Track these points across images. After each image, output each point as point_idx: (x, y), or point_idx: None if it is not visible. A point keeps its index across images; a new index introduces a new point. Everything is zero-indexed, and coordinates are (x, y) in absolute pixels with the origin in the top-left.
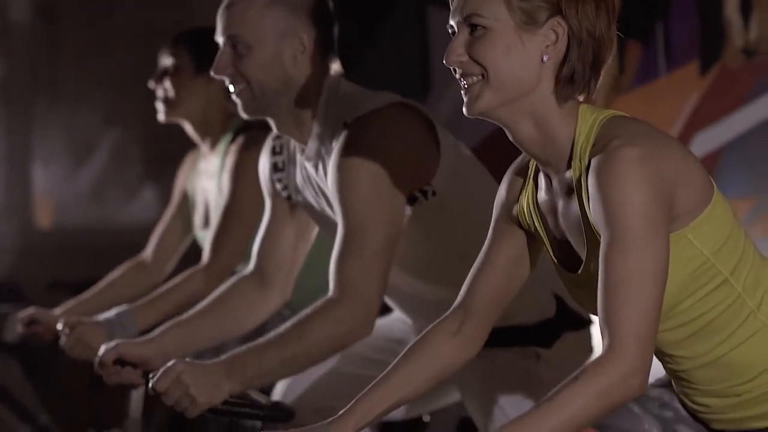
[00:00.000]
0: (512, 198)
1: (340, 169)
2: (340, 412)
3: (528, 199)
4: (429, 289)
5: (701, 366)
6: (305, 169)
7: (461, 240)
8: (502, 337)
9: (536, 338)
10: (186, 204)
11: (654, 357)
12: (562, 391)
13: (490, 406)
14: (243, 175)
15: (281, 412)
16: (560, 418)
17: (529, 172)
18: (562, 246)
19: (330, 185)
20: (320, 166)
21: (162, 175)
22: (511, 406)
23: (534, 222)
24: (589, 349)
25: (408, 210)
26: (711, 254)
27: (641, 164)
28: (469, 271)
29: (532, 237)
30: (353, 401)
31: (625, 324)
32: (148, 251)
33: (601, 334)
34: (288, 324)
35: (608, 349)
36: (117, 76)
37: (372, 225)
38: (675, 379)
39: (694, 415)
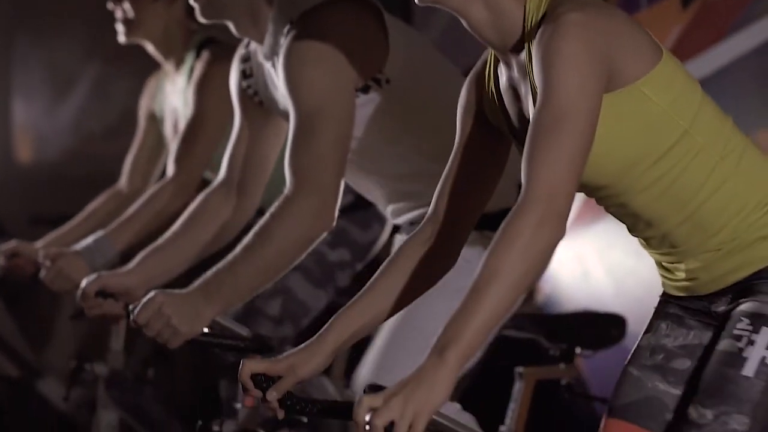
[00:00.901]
0: (475, 98)
1: (286, 64)
2: (318, 333)
3: (491, 91)
4: (398, 186)
5: (678, 225)
6: (265, 68)
7: (424, 133)
8: None
9: (495, 225)
10: (154, 126)
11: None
12: (486, 263)
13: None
14: (207, 87)
15: (261, 344)
16: (493, 291)
17: (488, 67)
18: (525, 132)
19: (280, 82)
20: (276, 64)
21: None
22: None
23: (498, 114)
24: None
25: (363, 99)
26: (668, 105)
27: (582, 26)
28: (434, 165)
29: (500, 134)
30: (330, 320)
31: (539, 171)
32: (123, 180)
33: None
34: (252, 232)
35: (521, 201)
36: (97, 9)
37: (321, 114)
38: (655, 251)
39: (684, 311)
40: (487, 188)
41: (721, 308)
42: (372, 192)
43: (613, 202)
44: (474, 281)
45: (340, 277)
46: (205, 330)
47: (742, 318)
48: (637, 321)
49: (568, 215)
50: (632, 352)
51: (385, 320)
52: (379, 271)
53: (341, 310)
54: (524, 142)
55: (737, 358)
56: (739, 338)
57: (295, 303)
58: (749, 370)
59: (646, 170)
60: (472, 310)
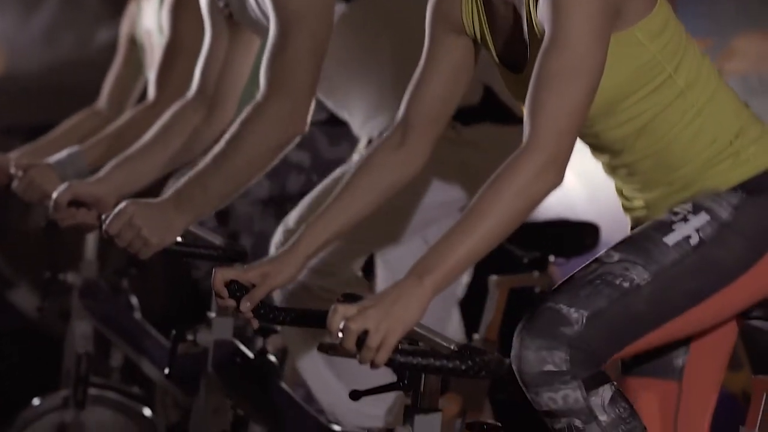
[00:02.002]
0: (449, 3)
1: None
2: (290, 242)
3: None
4: (370, 91)
5: (644, 158)
6: None
7: (397, 41)
8: None
9: (456, 116)
10: (135, 49)
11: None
12: (481, 198)
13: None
14: (181, 9)
15: (235, 253)
16: (484, 225)
17: None
18: (506, 46)
19: None
20: None
21: (116, 18)
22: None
23: (478, 23)
24: None
25: (341, 8)
26: (657, 51)
27: None
28: (403, 70)
29: (471, 41)
30: (302, 229)
31: (547, 118)
32: (102, 99)
33: (524, 129)
34: (222, 140)
35: (527, 144)
36: None
37: (298, 20)
38: (616, 176)
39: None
40: (457, 92)
41: None
42: (352, 106)
43: (586, 132)
44: (466, 212)
45: (292, 180)
46: (178, 239)
47: (686, 203)
48: (611, 229)
49: (568, 162)
50: None
51: (355, 225)
52: (348, 177)
53: (312, 218)
54: (505, 56)
55: (665, 226)
56: (676, 214)
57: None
58: (671, 239)
59: (625, 109)
60: (458, 241)
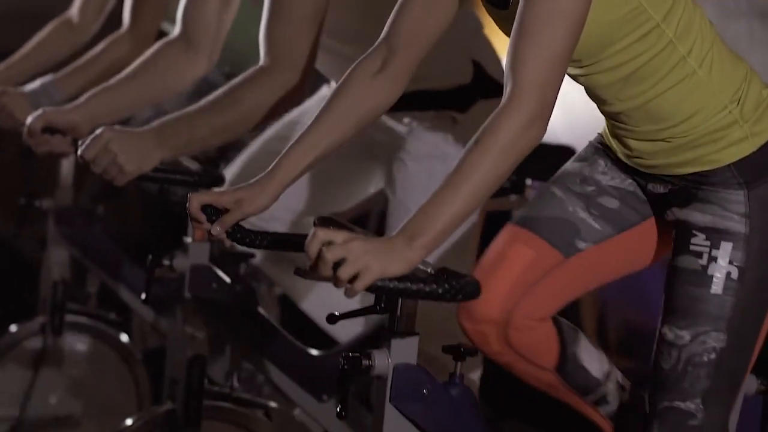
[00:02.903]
0: None
1: None
2: (267, 170)
3: None
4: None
5: (632, 109)
6: None
7: None
8: (416, 101)
9: (451, 102)
10: None
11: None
12: (466, 157)
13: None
14: None
15: (211, 179)
16: (470, 185)
17: None
18: None
19: None
20: None
21: None
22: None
23: None
24: None
25: None
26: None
27: None
28: None
29: None
30: (279, 157)
31: (529, 69)
32: (74, 9)
33: (505, 80)
34: (220, 92)
35: (509, 99)
36: None
37: None
38: (609, 120)
39: (624, 164)
40: (439, 18)
41: (659, 190)
42: None
43: (573, 74)
44: (452, 172)
45: None
46: None
47: (697, 233)
48: None
49: (552, 112)
50: (559, 173)
51: (332, 153)
52: (326, 103)
53: (290, 146)
54: None
55: (703, 277)
56: (699, 255)
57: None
58: (717, 287)
59: (612, 54)
60: (446, 202)
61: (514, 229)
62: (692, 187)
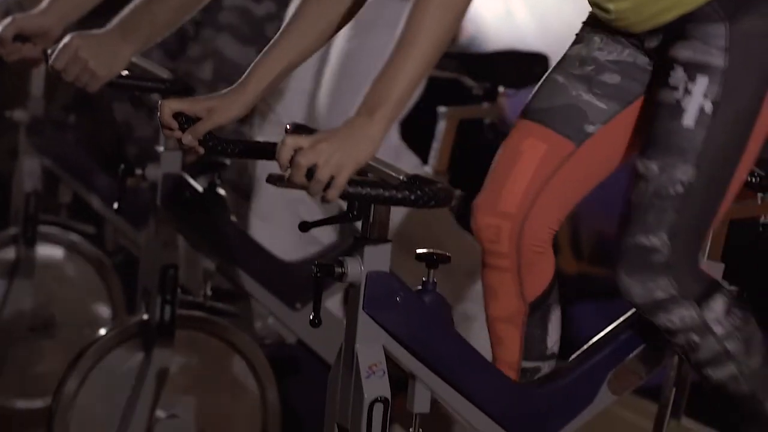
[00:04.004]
0: None
1: None
2: (240, 80)
3: None
4: None
5: None
6: None
7: None
8: None
9: None
10: None
11: None
12: (409, 22)
13: None
14: None
15: (182, 86)
16: (418, 48)
17: None
18: None
19: None
20: None
21: None
22: None
23: None
24: None
25: None
26: None
27: None
28: None
29: None
30: (251, 67)
31: None
32: None
33: None
34: None
35: None
36: None
37: None
38: None
39: (617, 33)
40: None
41: (653, 44)
42: None
43: None
44: (398, 39)
45: (269, 30)
46: (125, 73)
47: (676, 66)
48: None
49: None
50: (559, 60)
51: (304, 60)
52: (295, 10)
53: (260, 56)
54: None
55: (676, 109)
56: (675, 88)
57: (226, 64)
58: (689, 120)
59: None
60: (399, 70)
61: (524, 124)
62: (679, 29)
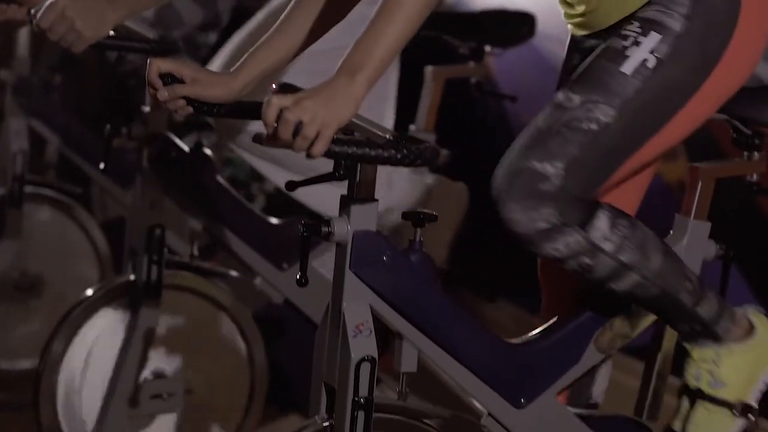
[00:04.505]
0: None
1: None
2: (233, 69)
3: None
4: None
5: None
6: None
7: None
8: None
9: None
10: None
11: None
12: None
13: None
14: None
15: (168, 46)
16: (404, 10)
17: None
18: None
19: None
20: None
21: None
22: None
23: None
24: None
25: None
26: None
27: None
28: None
29: None
30: (244, 57)
31: None
32: None
33: None
34: None
35: None
36: None
37: None
38: None
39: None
40: None
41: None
42: None
43: None
44: (382, 1)
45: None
46: (111, 33)
47: (633, 21)
48: (547, 19)
49: None
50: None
51: (298, 55)
52: (291, 4)
53: (255, 48)
54: None
55: (619, 55)
56: (625, 38)
57: (169, 10)
58: (628, 67)
59: None
60: (382, 32)
61: None
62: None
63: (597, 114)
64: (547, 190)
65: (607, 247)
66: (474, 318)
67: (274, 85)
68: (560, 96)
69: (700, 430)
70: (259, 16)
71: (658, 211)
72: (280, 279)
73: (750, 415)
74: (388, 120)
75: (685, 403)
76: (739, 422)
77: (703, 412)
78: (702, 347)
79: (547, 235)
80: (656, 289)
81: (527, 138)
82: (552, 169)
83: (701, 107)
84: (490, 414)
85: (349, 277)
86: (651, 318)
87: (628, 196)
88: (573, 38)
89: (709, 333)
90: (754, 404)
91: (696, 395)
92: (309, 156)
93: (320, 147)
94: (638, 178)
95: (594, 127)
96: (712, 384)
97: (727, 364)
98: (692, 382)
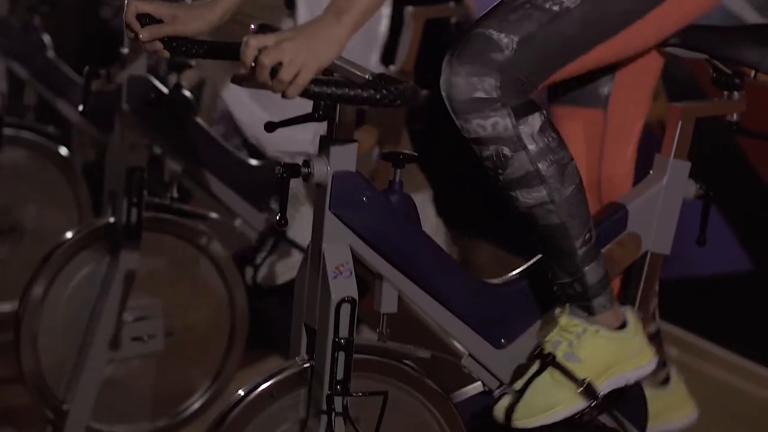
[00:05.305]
0: None
1: None
2: None
3: None
4: None
5: None
6: None
7: None
8: None
9: None
10: None
11: None
12: None
13: None
14: None
15: None
16: None
17: None
18: None
19: None
20: None
21: None
22: None
23: None
24: None
25: None
26: None
27: None
28: None
29: None
30: None
31: None
32: None
33: None
34: None
35: None
36: None
37: None
38: None
39: None
40: None
41: None
42: None
43: None
44: None
45: None
46: None
47: None
48: None
49: None
50: None
51: None
52: None
53: None
54: None
55: None
56: None
57: None
58: None
59: None
60: None
61: (555, 109)
62: None
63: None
64: (495, 59)
65: (531, 146)
66: (454, 258)
67: (252, 26)
68: None
69: (538, 395)
70: None
71: (638, 151)
72: (260, 220)
73: (593, 402)
74: (373, 62)
75: (535, 365)
76: (580, 404)
77: (548, 378)
78: (572, 316)
79: (480, 105)
80: (557, 218)
81: (490, 9)
82: (506, 39)
83: (661, 22)
84: (470, 354)
85: (329, 218)
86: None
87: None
88: None
89: (584, 300)
90: (600, 393)
91: (548, 361)
92: (284, 97)
93: (296, 89)
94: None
95: (555, 8)
96: (567, 355)
97: (589, 342)
98: (548, 347)
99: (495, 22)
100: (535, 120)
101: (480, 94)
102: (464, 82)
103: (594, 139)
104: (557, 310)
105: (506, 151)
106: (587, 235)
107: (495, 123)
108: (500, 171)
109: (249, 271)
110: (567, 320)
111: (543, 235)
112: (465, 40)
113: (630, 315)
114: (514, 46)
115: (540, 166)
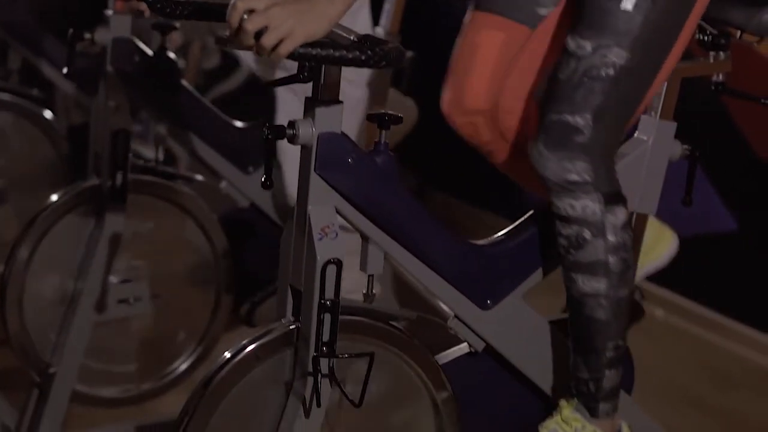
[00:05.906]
0: None
1: None
2: None
3: None
4: None
5: None
6: None
7: None
8: None
9: None
10: None
11: None
12: None
13: None
14: None
15: None
16: None
17: None
18: None
19: None
20: None
21: None
22: None
23: None
24: None
25: None
26: None
27: None
28: None
29: None
30: None
31: None
32: None
33: None
34: None
35: None
36: None
37: None
38: None
39: None
40: None
41: None
42: None
43: None
44: None
45: None
46: None
47: None
48: None
49: None
50: None
51: None
52: None
53: None
54: None
55: None
56: None
57: None
58: (628, 4)
59: None
60: None
61: (477, 16)
62: None
63: (611, 58)
64: (580, 142)
65: (611, 238)
66: (439, 219)
67: None
68: (571, 44)
69: None
70: None
71: None
72: (245, 182)
73: None
74: (362, 24)
75: None
76: None
77: None
78: (575, 411)
79: (574, 188)
80: (603, 314)
81: (552, 88)
82: (582, 120)
83: (695, 19)
84: (456, 316)
85: (314, 179)
86: None
87: None
88: None
89: (593, 401)
90: None
91: None
92: (270, 60)
93: (282, 52)
94: None
95: (611, 72)
96: None
97: None
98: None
99: (564, 105)
100: (621, 213)
101: (573, 177)
102: (556, 166)
103: (508, 52)
104: (562, 401)
105: (587, 234)
106: (620, 342)
107: (585, 206)
108: (572, 251)
109: (245, 308)
110: (569, 413)
111: (582, 326)
112: (544, 129)
113: (626, 428)
114: (590, 123)
115: (611, 259)
